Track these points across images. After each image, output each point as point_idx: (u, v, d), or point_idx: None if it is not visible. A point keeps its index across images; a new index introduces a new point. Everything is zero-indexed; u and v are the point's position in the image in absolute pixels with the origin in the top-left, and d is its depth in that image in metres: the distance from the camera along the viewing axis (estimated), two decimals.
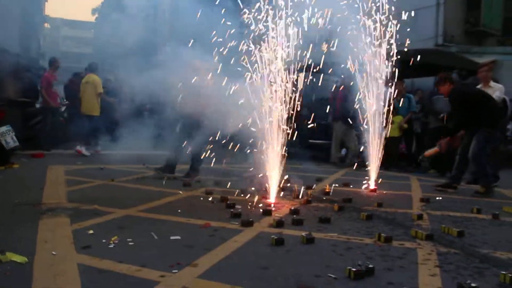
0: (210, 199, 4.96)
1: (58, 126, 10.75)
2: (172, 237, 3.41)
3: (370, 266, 2.74)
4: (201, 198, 5.05)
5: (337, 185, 6.26)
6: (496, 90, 6.79)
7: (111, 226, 3.72)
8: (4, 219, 3.83)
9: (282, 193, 5.28)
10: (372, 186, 6.22)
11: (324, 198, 5.32)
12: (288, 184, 5.57)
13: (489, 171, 6.27)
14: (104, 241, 3.24)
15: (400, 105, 8.96)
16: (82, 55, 42.08)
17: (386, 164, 7.77)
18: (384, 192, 6.06)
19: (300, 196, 5.16)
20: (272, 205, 4.76)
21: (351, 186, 6.38)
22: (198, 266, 2.80)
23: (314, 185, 6.10)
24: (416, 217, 4.32)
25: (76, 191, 5.29)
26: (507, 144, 9.82)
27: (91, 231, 3.48)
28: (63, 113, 11.63)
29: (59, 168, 7.10)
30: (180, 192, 5.39)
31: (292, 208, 4.49)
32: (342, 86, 9.00)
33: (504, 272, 2.67)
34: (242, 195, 5.19)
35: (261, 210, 4.39)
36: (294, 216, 4.18)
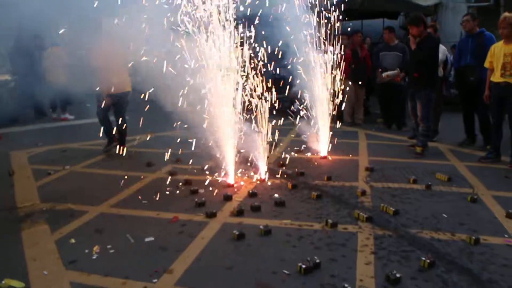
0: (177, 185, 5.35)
1: (4, 103, 10.70)
2: (146, 239, 3.87)
3: (317, 261, 3.29)
4: (166, 183, 5.41)
5: (291, 152, 6.80)
6: (440, 52, 7.10)
7: (89, 230, 4.13)
8: None
9: (240, 168, 5.75)
10: (324, 152, 6.78)
11: (280, 171, 5.81)
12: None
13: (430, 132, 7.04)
14: (86, 251, 3.66)
15: None
16: None
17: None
18: (334, 158, 6.61)
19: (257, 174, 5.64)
20: (234, 184, 5.33)
21: (305, 152, 6.88)
22: (173, 272, 3.28)
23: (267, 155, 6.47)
24: (360, 193, 4.92)
25: (45, 186, 5.58)
26: (448, 89, 10.43)
27: (72, 240, 3.88)
28: (12, 88, 11.43)
29: (22, 155, 7.23)
30: (143, 176, 5.73)
31: (250, 191, 5.00)
32: (352, 45, 9.28)
33: (423, 258, 3.29)
34: (203, 174, 5.59)
35: (222, 196, 4.87)
36: (253, 203, 4.64)
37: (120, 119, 6.73)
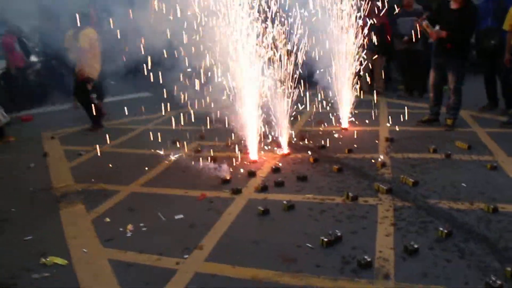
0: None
1: (32, 84, 11.06)
2: (176, 217, 4.10)
3: (339, 234, 3.47)
4: (192, 161, 5.63)
5: (313, 124, 6.97)
6: None
7: (122, 209, 4.39)
8: (27, 212, 4.46)
9: (263, 142, 5.93)
10: (345, 124, 6.88)
11: (301, 146, 5.96)
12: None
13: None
14: (121, 229, 3.91)
15: None
16: None
17: None
18: (355, 129, 6.72)
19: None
20: (257, 159, 5.52)
21: (325, 124, 6.98)
22: (203, 248, 3.51)
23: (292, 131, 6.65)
24: (380, 165, 5.04)
25: (78, 167, 5.88)
26: None
27: (107, 219, 4.15)
28: (39, 70, 11.77)
29: (53, 136, 7.53)
30: (170, 154, 5.93)
31: (273, 167, 5.17)
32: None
33: (441, 229, 3.43)
34: (228, 150, 5.79)
35: (247, 172, 5.08)
36: (276, 179, 4.82)
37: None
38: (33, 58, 11.91)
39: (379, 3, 9.56)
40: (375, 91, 9.39)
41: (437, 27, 6.27)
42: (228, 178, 4.91)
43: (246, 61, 5.39)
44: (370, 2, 9.07)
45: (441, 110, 6.84)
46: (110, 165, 5.70)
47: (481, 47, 7.39)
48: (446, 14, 6.26)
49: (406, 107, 7.25)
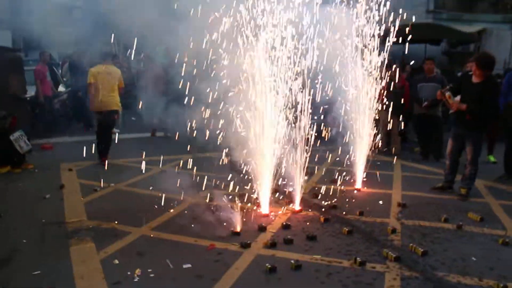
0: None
1: (56, 114, 11.40)
2: (184, 265, 4.14)
3: None
4: (204, 208, 5.70)
5: (326, 182, 6.97)
6: None
7: (131, 252, 4.44)
8: (38, 245, 4.56)
9: (276, 195, 6.03)
10: (358, 184, 6.91)
11: (313, 203, 6.01)
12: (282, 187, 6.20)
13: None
14: (129, 273, 3.96)
15: None
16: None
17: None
18: (368, 191, 6.74)
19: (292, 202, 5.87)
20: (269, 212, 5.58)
21: (339, 183, 7.00)
22: None
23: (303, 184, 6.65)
24: (390, 231, 5.05)
25: (92, 202, 6.00)
26: None
27: (116, 261, 4.20)
28: (65, 100, 12.14)
29: (71, 167, 7.69)
30: (183, 199, 6.00)
31: (284, 223, 5.21)
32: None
33: None
34: (240, 201, 5.83)
35: (255, 228, 5.11)
36: (285, 236, 4.85)
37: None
38: (61, 88, 12.36)
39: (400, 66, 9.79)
40: (391, 152, 9.47)
41: (458, 98, 6.38)
42: (238, 230, 4.94)
43: (267, 122, 5.54)
44: (391, 67, 9.31)
45: (456, 178, 6.84)
46: (123, 204, 5.78)
47: (507, 118, 7.46)
48: (468, 86, 6.36)
49: (420, 172, 7.29)
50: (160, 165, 7.30)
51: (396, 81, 9.19)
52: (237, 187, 6.06)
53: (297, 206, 5.81)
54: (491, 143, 8.95)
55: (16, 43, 13.05)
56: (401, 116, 9.33)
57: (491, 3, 17.79)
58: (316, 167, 7.31)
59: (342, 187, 6.82)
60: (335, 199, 6.15)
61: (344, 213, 5.73)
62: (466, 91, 6.38)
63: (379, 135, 7.74)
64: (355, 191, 6.78)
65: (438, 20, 15.96)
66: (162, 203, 5.77)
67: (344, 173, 7.07)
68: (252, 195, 5.85)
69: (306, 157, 5.85)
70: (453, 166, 6.79)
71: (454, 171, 6.81)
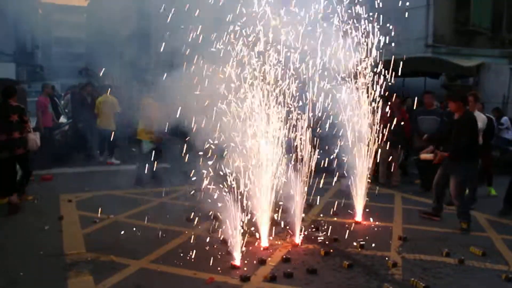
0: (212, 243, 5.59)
1: (57, 145, 11.45)
2: None
3: None
4: (204, 241, 5.64)
5: (325, 215, 6.94)
6: (479, 121, 7.02)
7: (129, 285, 4.40)
8: (36, 277, 4.51)
9: (276, 229, 5.95)
10: (358, 217, 6.88)
11: (313, 236, 5.96)
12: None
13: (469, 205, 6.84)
14: None
15: None
16: (75, 40, 41.93)
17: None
18: (368, 224, 6.70)
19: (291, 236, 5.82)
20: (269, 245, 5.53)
21: (339, 216, 6.98)
22: None
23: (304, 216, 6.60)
24: (391, 265, 5.00)
25: (91, 234, 5.95)
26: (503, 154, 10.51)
27: None
28: (66, 131, 12.22)
29: (70, 199, 7.67)
30: (182, 232, 5.98)
31: (284, 256, 5.17)
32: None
33: None
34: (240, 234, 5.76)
35: (255, 261, 5.06)
36: (286, 269, 4.80)
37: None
38: (62, 119, 12.49)
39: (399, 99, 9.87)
40: (391, 185, 9.47)
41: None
42: (238, 263, 4.90)
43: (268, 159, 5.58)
44: (392, 98, 9.39)
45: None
46: (122, 236, 5.74)
47: None
48: (451, 124, 6.70)
49: (421, 205, 7.26)
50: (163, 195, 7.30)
51: (396, 113, 9.30)
52: (238, 219, 6.02)
53: (297, 239, 5.76)
54: (489, 175, 8.92)
55: (20, 75, 13.32)
56: (399, 148, 9.39)
57: (489, 37, 18.06)
58: (317, 198, 7.27)
59: (343, 220, 6.78)
60: (336, 232, 6.10)
61: (344, 246, 5.68)
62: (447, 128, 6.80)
63: (380, 168, 7.76)
64: (356, 224, 6.73)
65: (437, 54, 16.14)
66: (162, 235, 5.73)
67: (344, 206, 7.04)
68: (252, 228, 5.80)
69: (306, 190, 5.83)
70: (438, 196, 6.93)
71: (439, 201, 6.95)
